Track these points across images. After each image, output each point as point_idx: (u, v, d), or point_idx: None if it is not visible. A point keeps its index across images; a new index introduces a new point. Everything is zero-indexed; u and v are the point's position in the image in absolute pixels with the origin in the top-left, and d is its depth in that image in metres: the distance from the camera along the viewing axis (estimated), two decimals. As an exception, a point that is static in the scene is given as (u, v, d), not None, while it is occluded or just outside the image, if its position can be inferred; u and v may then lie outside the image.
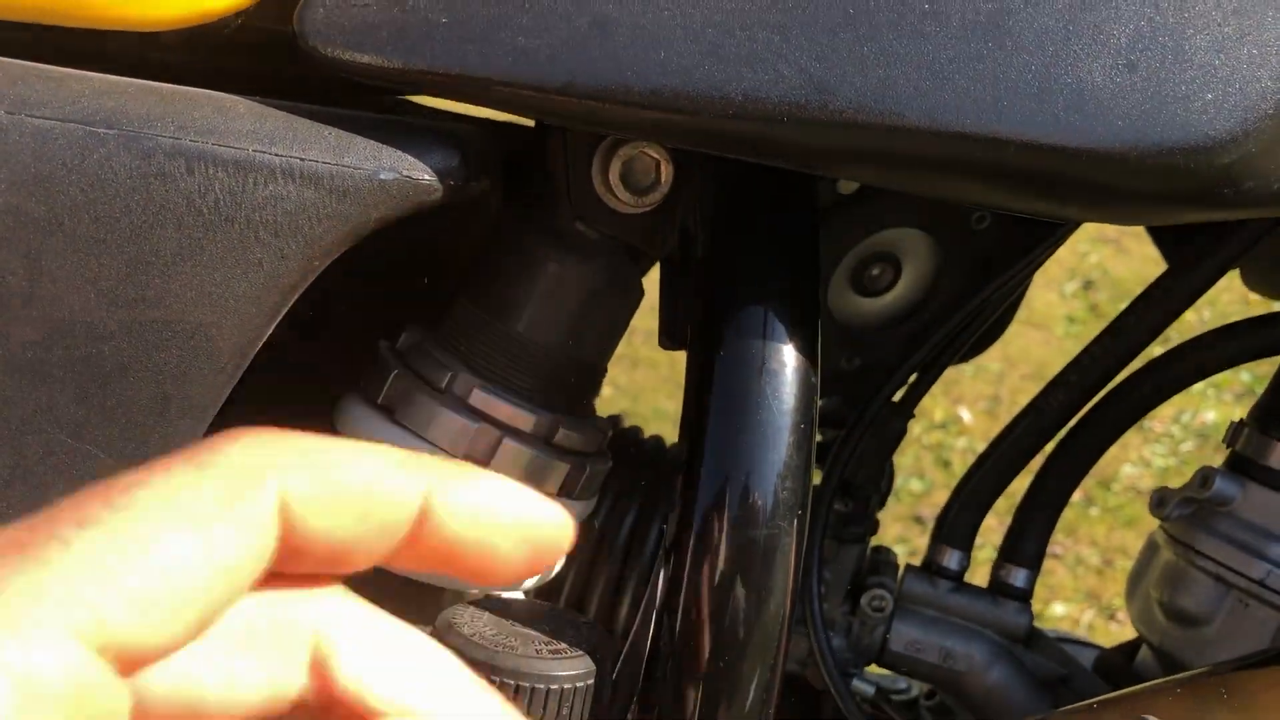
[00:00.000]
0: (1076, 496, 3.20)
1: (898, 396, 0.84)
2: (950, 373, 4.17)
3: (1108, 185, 0.51)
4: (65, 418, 0.48)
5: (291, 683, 0.26)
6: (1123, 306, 0.83)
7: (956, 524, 0.86)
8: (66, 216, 0.47)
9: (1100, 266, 4.34)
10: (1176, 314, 0.82)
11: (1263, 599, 0.80)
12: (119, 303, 0.48)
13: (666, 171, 0.60)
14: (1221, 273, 0.81)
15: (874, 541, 0.92)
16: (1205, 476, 0.84)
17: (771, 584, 0.53)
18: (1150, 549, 0.89)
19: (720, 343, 0.55)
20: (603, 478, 0.67)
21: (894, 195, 0.75)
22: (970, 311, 0.78)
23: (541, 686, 0.53)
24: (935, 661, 0.84)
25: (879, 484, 0.86)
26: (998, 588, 0.86)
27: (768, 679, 0.54)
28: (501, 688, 0.53)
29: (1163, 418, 3.05)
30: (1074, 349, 0.84)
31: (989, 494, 0.86)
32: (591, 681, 0.55)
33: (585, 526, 0.82)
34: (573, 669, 0.54)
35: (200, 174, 0.48)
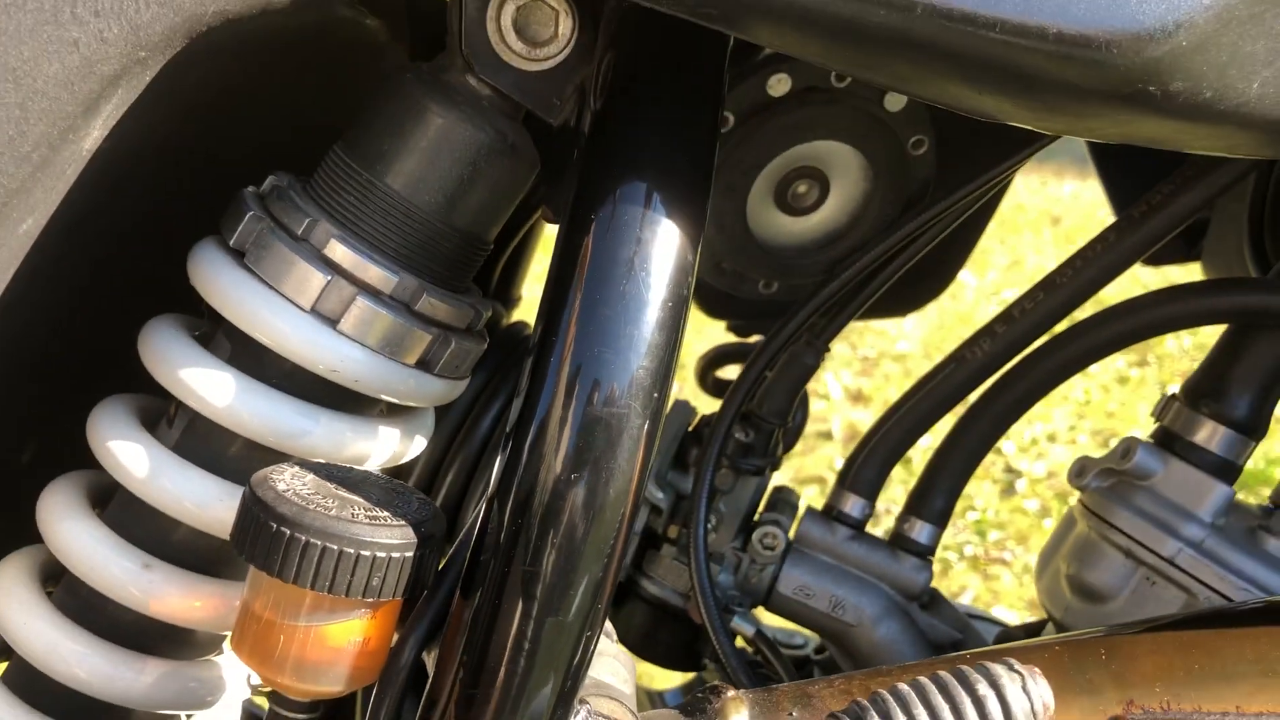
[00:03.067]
0: (1031, 505, 3.16)
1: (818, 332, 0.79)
2: (923, 366, 4.14)
3: (1026, 69, 0.46)
4: None
5: None
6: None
7: (862, 471, 0.82)
8: None
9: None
10: (1116, 272, 0.78)
11: (1170, 577, 0.76)
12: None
13: (566, 24, 0.55)
14: (1167, 232, 0.77)
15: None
16: (1128, 448, 0.80)
17: (614, 468, 0.48)
18: (1066, 523, 0.85)
19: (596, 208, 0.50)
20: (475, 358, 0.62)
21: (826, 104, 0.71)
22: (894, 243, 0.74)
23: (350, 551, 0.49)
24: (824, 610, 0.80)
25: (785, 418, 0.81)
26: (899, 541, 0.82)
27: (600, 577, 0.50)
28: (306, 548, 0.48)
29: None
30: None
31: (900, 443, 0.82)
32: (409, 555, 0.50)
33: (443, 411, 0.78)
34: (388, 537, 0.50)
35: (15, -68, 0.43)
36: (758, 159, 0.72)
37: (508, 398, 0.76)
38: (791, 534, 0.82)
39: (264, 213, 0.57)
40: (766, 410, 0.81)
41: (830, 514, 0.82)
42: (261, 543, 0.49)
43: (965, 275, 4.43)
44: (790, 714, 0.60)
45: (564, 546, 0.49)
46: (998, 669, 0.51)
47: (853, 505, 0.82)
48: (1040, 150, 0.73)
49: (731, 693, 0.61)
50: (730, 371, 0.95)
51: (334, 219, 0.57)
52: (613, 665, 0.60)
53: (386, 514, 0.51)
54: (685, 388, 2.57)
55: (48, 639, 0.59)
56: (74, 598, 0.61)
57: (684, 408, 0.85)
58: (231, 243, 0.57)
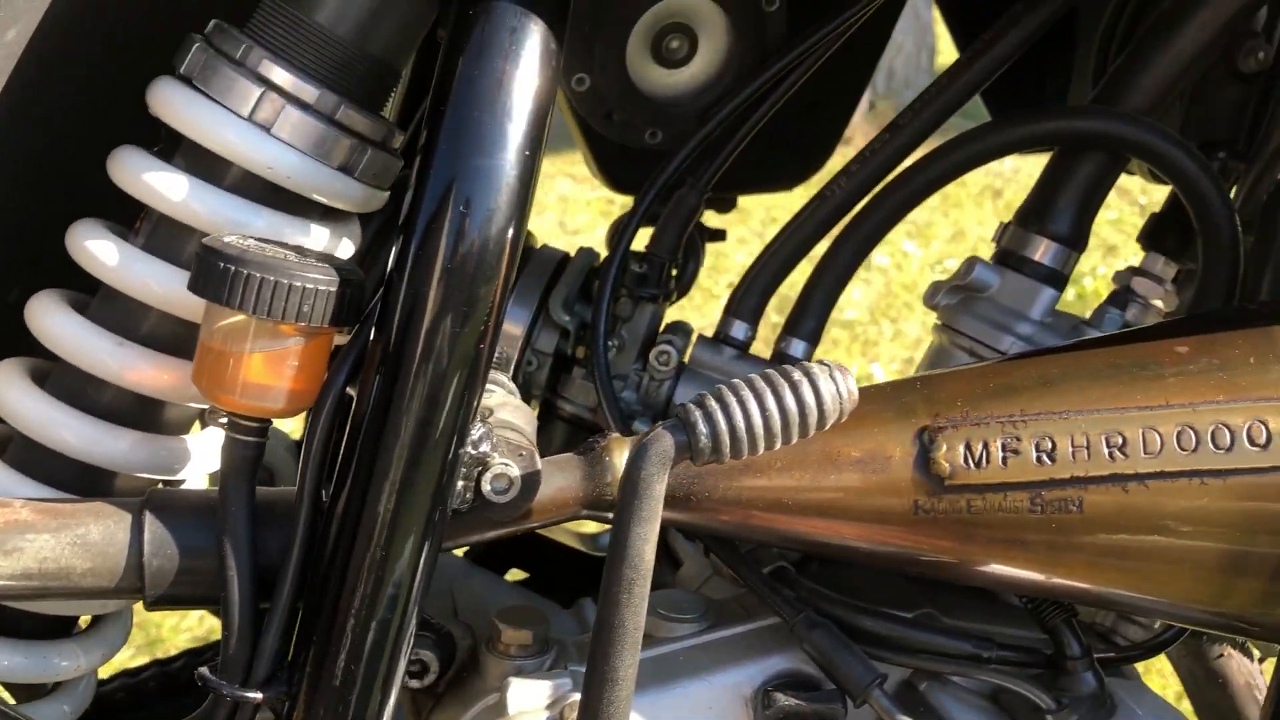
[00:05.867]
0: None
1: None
2: (870, 332, 4.26)
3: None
4: None
5: None
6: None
7: (745, 299, 0.94)
8: None
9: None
10: (953, 109, 0.91)
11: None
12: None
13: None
14: (997, 69, 0.90)
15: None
16: (969, 266, 0.93)
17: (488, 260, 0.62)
18: (931, 345, 0.98)
19: (466, 36, 0.63)
20: (394, 173, 0.75)
21: (684, -37, 0.83)
22: (757, 88, 0.87)
23: (283, 281, 0.61)
24: (715, 417, 0.92)
25: (674, 254, 0.94)
26: (779, 358, 0.94)
27: (483, 327, 0.62)
28: (248, 280, 0.60)
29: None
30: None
31: (777, 274, 0.94)
32: (333, 289, 0.62)
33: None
34: (315, 273, 0.62)
35: None
36: (630, 14, 0.85)
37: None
38: (686, 359, 0.94)
39: (208, 45, 0.69)
40: (658, 247, 0.93)
41: (719, 338, 0.94)
42: (213, 280, 0.61)
43: (909, 246, 4.61)
44: (663, 447, 0.72)
45: (450, 303, 0.62)
46: (810, 365, 0.63)
47: (737, 329, 0.94)
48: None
49: (615, 435, 0.73)
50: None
51: (266, 47, 0.69)
52: (515, 410, 0.72)
53: (313, 261, 0.63)
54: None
55: (43, 413, 0.71)
56: (63, 385, 0.73)
57: (588, 252, 0.97)
58: (181, 70, 0.69)
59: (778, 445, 0.63)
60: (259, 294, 0.61)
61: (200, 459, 0.75)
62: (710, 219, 1.11)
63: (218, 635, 0.67)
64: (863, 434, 0.70)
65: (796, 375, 0.62)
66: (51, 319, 0.72)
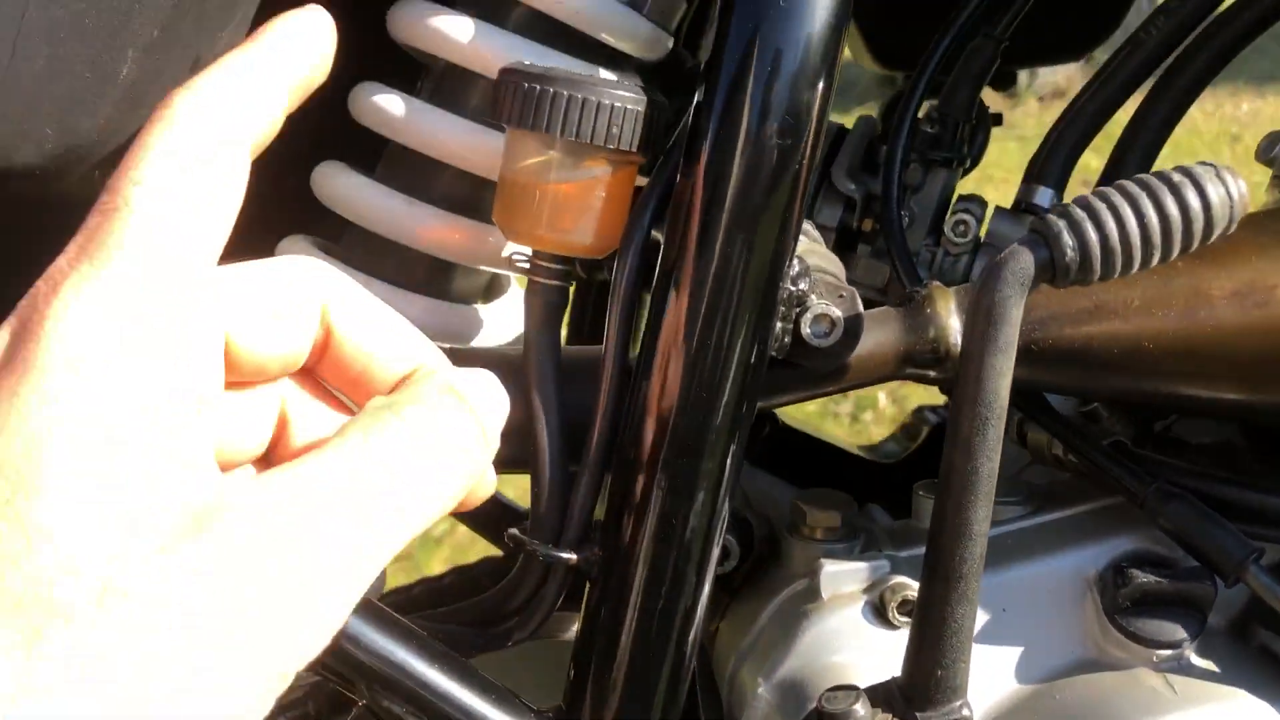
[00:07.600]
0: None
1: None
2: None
3: None
4: None
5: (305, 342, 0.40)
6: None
7: (1049, 162, 0.85)
8: None
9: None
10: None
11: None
12: None
13: None
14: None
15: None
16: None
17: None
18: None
19: None
20: (677, 14, 0.69)
21: None
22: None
23: (591, 99, 0.56)
24: (1020, 293, 0.83)
25: (969, 113, 0.85)
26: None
27: (795, 175, 0.56)
28: (554, 98, 0.56)
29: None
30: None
31: (1085, 131, 0.84)
32: (641, 109, 0.57)
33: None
34: (623, 91, 0.57)
35: None
36: None
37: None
38: (982, 234, 0.86)
39: None
40: (950, 106, 0.85)
41: (1019, 208, 0.85)
42: (516, 102, 0.57)
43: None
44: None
45: (768, 118, 0.55)
46: (1191, 166, 0.54)
47: (1040, 195, 0.85)
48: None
49: (935, 283, 0.66)
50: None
51: None
52: (825, 257, 0.66)
53: (618, 82, 0.58)
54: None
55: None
56: (351, 255, 0.70)
57: (868, 120, 0.90)
58: None
59: (1155, 260, 0.54)
60: (566, 114, 0.56)
61: (491, 328, 0.72)
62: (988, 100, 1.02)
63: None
64: (1238, 264, 0.61)
65: (1176, 177, 0.53)
66: (339, 182, 0.69)
